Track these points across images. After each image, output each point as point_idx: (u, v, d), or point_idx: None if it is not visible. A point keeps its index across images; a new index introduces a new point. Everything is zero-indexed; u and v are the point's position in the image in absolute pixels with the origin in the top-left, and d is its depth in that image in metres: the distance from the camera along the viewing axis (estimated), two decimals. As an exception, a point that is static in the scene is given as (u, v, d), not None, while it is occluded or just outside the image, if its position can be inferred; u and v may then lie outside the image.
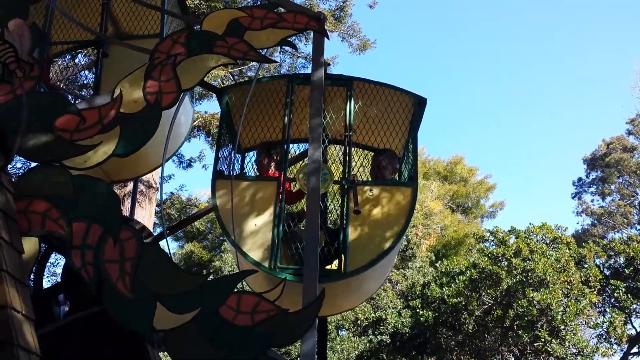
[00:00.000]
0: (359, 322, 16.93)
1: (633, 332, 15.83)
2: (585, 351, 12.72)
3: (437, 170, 32.23)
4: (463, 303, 13.79)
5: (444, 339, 14.01)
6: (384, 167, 5.37)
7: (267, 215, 4.75)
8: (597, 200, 28.27)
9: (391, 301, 17.72)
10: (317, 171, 3.96)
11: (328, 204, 5.23)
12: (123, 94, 3.59)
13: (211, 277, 3.28)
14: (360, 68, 55.63)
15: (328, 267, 4.73)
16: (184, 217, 18.87)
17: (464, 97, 55.80)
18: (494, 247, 14.73)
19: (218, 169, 4.98)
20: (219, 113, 7.17)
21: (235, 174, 5.08)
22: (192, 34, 3.83)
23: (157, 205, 12.68)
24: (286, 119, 4.95)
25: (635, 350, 16.40)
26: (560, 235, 14.64)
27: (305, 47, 15.10)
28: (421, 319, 14.40)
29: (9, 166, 3.45)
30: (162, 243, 5.53)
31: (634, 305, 14.74)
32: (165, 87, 3.62)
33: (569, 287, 13.03)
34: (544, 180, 52.94)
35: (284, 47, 12.63)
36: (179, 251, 24.54)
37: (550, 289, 12.65)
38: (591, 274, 13.71)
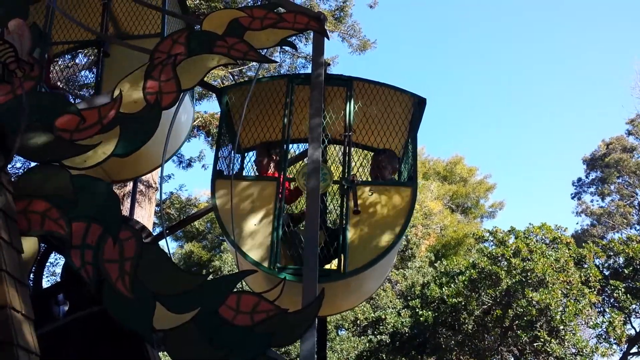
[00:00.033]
0: (358, 322, 16.93)
1: (632, 332, 15.85)
2: (584, 351, 12.73)
3: (437, 170, 32.23)
4: (462, 303, 13.79)
5: (444, 338, 14.01)
6: (383, 167, 5.37)
7: (266, 216, 4.75)
8: (597, 201, 28.34)
9: (391, 301, 17.73)
10: (317, 171, 3.96)
11: (328, 204, 5.23)
12: (123, 94, 3.59)
13: (211, 277, 3.28)
14: (360, 68, 55.71)
15: (327, 266, 4.74)
16: (183, 217, 18.84)
17: (464, 97, 55.87)
18: (493, 247, 14.74)
19: (218, 168, 4.98)
20: (219, 113, 7.18)
21: (234, 174, 5.08)
22: (192, 34, 3.83)
23: (157, 205, 12.67)
24: (286, 119, 4.94)
25: (634, 350, 16.41)
26: (559, 235, 14.65)
27: (305, 47, 15.12)
28: (421, 318, 14.40)
29: (9, 166, 3.45)
30: (162, 243, 5.54)
31: (634, 306, 14.76)
32: (165, 87, 3.62)
33: (568, 287, 13.04)
34: (543, 181, 53.03)
35: (284, 47, 12.61)
36: (179, 251, 24.56)
37: (550, 289, 12.66)
38: (591, 274, 13.73)
